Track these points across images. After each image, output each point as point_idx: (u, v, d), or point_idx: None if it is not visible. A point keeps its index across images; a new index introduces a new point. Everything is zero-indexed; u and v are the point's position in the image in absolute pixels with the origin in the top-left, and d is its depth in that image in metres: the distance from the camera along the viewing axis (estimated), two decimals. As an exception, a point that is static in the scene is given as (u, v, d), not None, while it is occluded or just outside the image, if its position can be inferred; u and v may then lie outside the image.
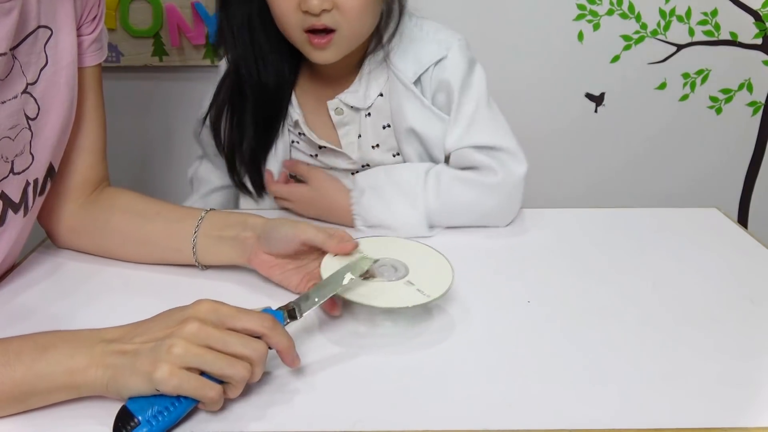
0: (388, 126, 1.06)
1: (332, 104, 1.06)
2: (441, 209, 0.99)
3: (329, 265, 0.78)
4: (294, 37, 0.98)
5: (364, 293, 0.75)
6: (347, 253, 0.80)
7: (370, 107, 1.06)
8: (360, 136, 1.07)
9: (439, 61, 1.03)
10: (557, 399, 0.66)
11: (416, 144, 1.05)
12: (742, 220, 1.82)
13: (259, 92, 1.05)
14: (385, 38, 1.02)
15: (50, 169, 0.88)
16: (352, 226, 1.01)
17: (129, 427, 0.59)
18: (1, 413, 0.63)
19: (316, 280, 0.81)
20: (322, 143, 1.07)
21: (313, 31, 0.95)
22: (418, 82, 1.04)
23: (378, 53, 1.04)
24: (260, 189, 1.10)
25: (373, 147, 1.08)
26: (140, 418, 0.59)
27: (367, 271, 0.77)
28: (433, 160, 1.06)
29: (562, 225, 1.05)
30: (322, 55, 0.98)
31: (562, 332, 0.77)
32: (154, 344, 0.61)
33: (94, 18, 0.91)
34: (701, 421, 0.63)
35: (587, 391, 0.67)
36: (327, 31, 0.95)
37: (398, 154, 1.07)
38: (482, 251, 0.97)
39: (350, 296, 0.74)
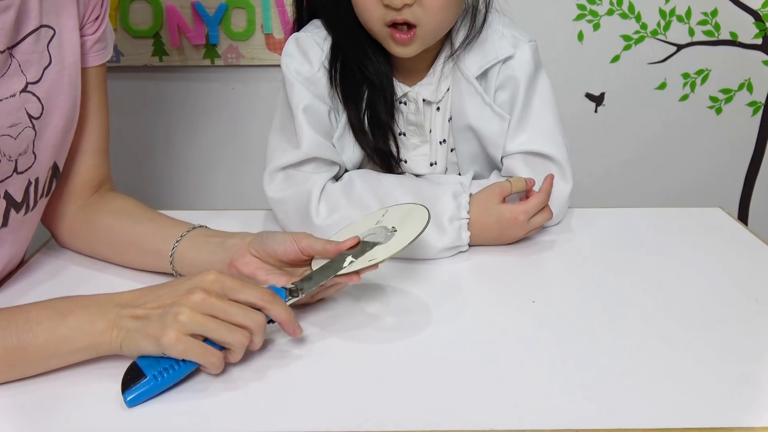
0: (450, 119, 1.05)
1: (410, 95, 1.04)
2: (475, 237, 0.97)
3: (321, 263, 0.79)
4: (376, 31, 0.97)
5: (368, 257, 0.76)
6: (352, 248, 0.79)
7: (440, 101, 1.04)
8: (431, 131, 1.06)
9: (507, 59, 1.01)
10: (564, 399, 0.66)
11: (473, 142, 1.04)
12: (743, 219, 1.82)
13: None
14: (460, 35, 1.01)
15: (55, 169, 0.88)
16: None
17: (136, 381, 0.65)
18: (23, 375, 0.68)
19: None
20: (409, 129, 1.06)
21: (394, 26, 0.94)
22: (482, 77, 1.02)
23: (449, 48, 1.02)
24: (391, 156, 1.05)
25: (440, 143, 1.07)
26: (147, 373, 0.65)
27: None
28: (490, 157, 1.04)
29: (565, 225, 1.05)
30: (405, 50, 0.96)
31: (567, 332, 0.77)
32: (162, 311, 0.66)
33: (97, 18, 0.91)
34: (710, 421, 0.63)
35: (593, 390, 0.67)
36: (409, 26, 0.94)
37: (453, 150, 1.06)
38: (486, 251, 0.97)
39: (358, 265, 0.75)
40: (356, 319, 0.80)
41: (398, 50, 0.97)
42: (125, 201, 0.96)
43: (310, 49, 1.01)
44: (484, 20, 1.01)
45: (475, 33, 1.01)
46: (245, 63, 1.62)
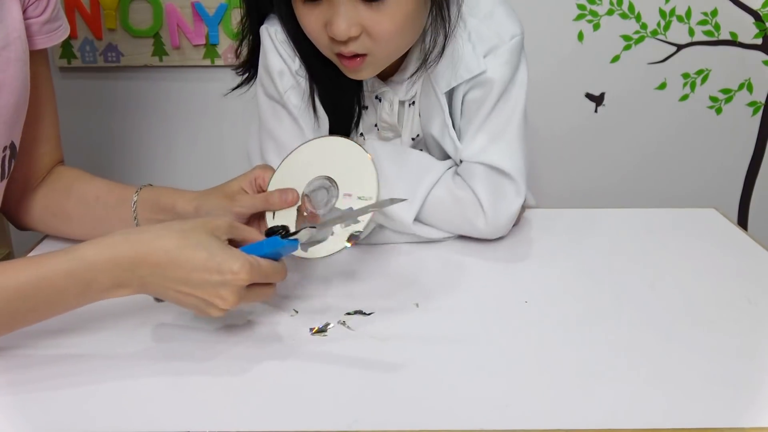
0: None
1: (386, 95, 1.02)
2: (428, 219, 0.98)
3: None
4: (325, 54, 0.94)
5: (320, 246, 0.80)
6: (294, 203, 0.84)
7: (413, 97, 1.02)
8: (402, 126, 1.05)
9: (478, 75, 0.96)
10: (555, 399, 0.66)
11: (438, 147, 1.03)
12: (742, 220, 1.82)
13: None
14: (429, 39, 0.95)
15: (12, 149, 0.87)
16: None
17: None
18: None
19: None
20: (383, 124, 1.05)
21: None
22: (451, 90, 0.99)
23: (420, 49, 0.97)
24: None
25: (413, 139, 1.05)
26: None
27: (303, 202, 0.84)
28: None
29: (560, 225, 1.05)
30: (357, 74, 0.93)
31: (559, 332, 0.78)
32: (196, 302, 0.71)
33: None
34: (699, 421, 0.64)
35: (585, 391, 0.68)
36: (358, 54, 0.90)
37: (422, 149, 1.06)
38: (478, 251, 0.97)
39: (311, 254, 0.79)
40: (345, 319, 0.80)
41: (351, 74, 0.94)
42: (69, 177, 0.97)
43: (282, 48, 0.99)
44: (456, 22, 0.96)
45: (445, 41, 0.95)
46: (245, 63, 1.62)
